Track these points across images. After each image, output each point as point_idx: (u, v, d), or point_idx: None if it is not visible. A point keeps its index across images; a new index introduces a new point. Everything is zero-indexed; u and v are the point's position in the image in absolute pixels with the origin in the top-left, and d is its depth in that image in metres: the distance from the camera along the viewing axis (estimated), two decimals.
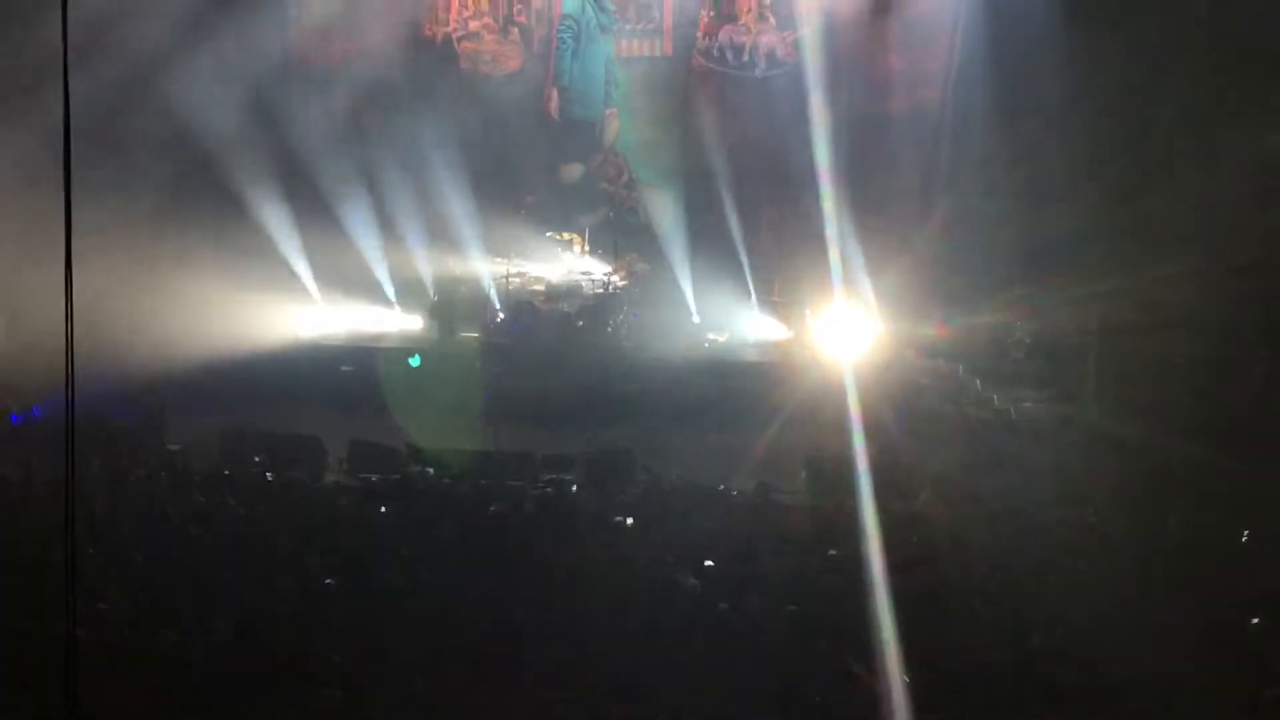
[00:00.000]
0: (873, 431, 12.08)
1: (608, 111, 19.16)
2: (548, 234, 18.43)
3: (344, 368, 16.64)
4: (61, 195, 4.90)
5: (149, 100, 16.52)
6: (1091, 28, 14.98)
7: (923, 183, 17.53)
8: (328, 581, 8.42)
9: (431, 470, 12.14)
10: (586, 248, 18.64)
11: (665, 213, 18.32)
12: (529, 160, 18.71)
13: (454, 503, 10.83)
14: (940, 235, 16.48)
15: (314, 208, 17.48)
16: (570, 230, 18.78)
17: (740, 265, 17.80)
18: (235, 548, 9.14)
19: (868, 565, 8.50)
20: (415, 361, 15.98)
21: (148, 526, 9.75)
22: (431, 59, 18.97)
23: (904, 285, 16.20)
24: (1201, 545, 9.48)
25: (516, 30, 19.05)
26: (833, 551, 9.41)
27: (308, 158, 17.45)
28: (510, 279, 17.55)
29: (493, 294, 17.52)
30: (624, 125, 19.17)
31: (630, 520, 10.41)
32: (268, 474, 11.83)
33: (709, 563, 9.08)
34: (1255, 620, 7.89)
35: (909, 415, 13.70)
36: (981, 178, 16.70)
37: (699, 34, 18.62)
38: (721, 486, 11.95)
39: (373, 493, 11.25)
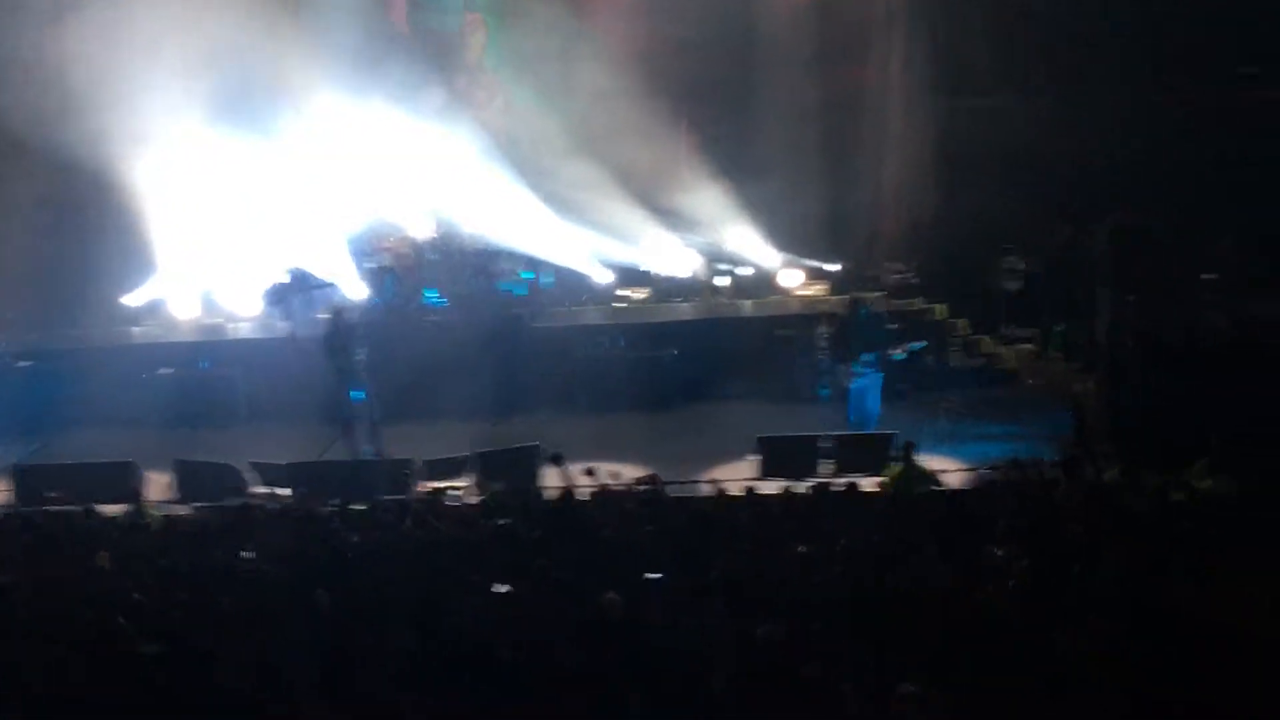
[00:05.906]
0: None
1: (470, 17, 16.45)
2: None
3: (162, 370, 14.71)
4: None
5: None
6: None
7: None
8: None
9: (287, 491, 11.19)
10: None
11: (555, 141, 15.50)
12: (372, 86, 15.58)
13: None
14: None
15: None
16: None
17: (653, 201, 15.65)
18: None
19: None
20: None
21: None
22: None
23: None
24: None
25: None
26: None
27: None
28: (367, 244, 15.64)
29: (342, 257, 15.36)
30: (492, 35, 16.42)
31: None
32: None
33: None
34: None
35: None
36: None
37: None
38: None
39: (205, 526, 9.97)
